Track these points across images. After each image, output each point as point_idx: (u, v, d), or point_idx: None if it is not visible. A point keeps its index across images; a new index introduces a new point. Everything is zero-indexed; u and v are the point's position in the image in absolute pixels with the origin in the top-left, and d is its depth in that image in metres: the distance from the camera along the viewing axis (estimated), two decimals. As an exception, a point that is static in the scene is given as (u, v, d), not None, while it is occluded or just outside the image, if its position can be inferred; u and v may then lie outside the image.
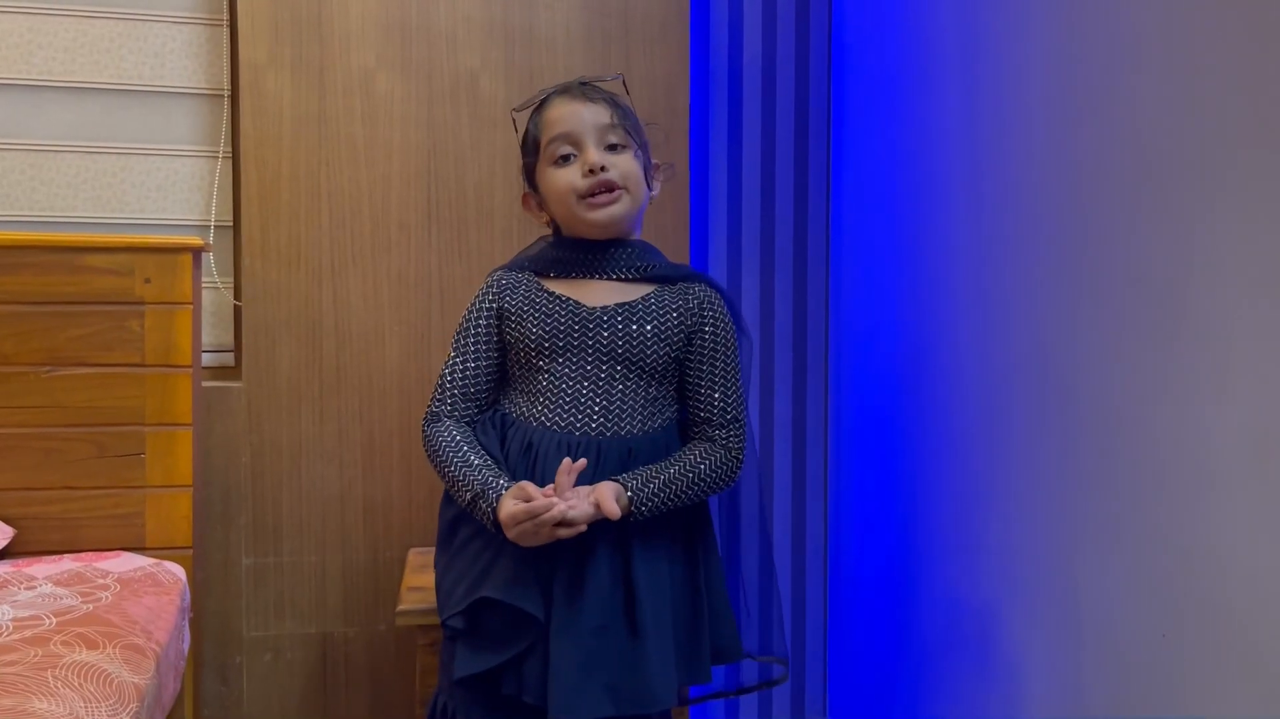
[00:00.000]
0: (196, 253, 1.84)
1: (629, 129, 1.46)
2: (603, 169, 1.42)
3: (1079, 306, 1.44)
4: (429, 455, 1.44)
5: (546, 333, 1.43)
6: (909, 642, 1.94)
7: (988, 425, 1.67)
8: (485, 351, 1.47)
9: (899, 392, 1.98)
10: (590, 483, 1.37)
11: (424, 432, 1.46)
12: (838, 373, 2.25)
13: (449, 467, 1.40)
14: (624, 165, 1.44)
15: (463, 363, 1.47)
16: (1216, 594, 1.19)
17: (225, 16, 2.04)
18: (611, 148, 1.45)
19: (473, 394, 1.46)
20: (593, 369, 1.43)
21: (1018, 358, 1.58)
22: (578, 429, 1.41)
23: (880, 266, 2.06)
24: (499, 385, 1.49)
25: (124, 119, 2.04)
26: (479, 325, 1.47)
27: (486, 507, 1.34)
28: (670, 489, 1.39)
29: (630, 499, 1.36)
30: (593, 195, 1.43)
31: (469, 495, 1.36)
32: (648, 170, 1.50)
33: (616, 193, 1.43)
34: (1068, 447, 1.46)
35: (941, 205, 1.82)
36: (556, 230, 1.52)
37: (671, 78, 2.11)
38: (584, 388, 1.42)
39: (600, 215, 1.44)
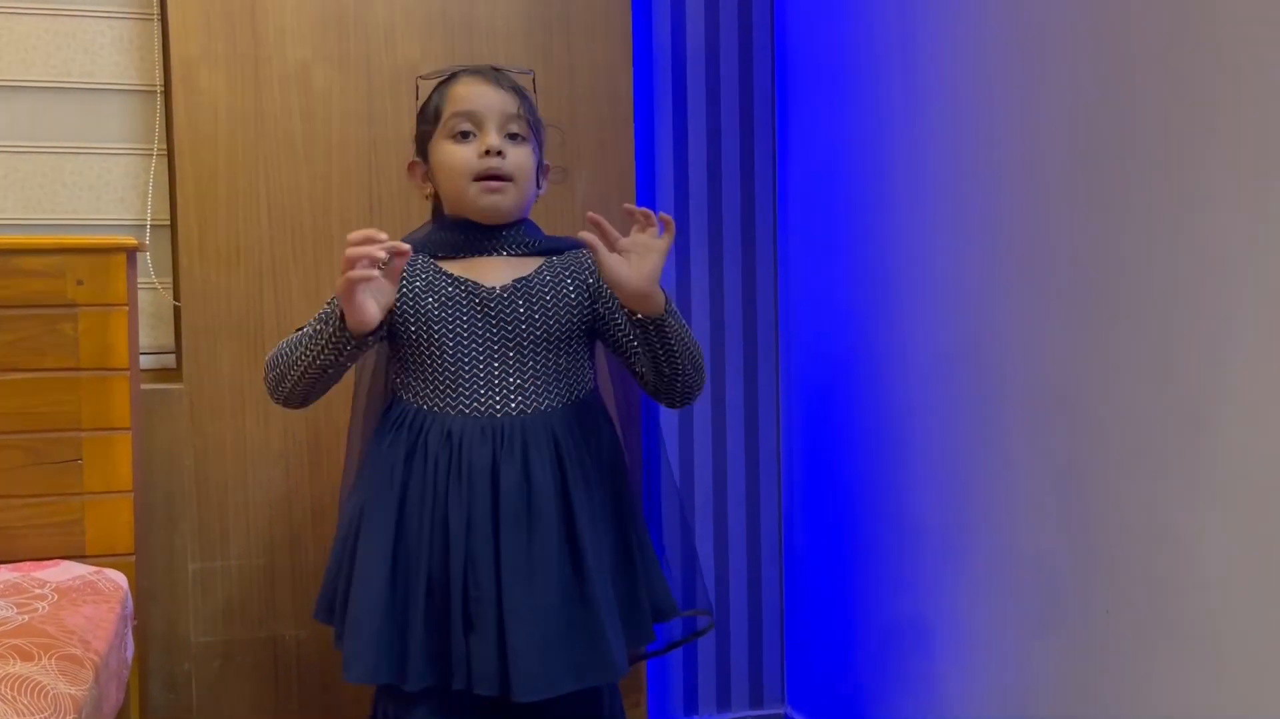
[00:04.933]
0: (130, 253, 1.79)
1: (531, 124, 1.49)
2: (499, 154, 1.43)
3: (1019, 290, 1.45)
4: (273, 365, 1.44)
5: (449, 316, 1.43)
6: (862, 626, 1.95)
7: (933, 408, 1.68)
8: None
9: (847, 377, 1.98)
10: (523, 460, 1.39)
11: (266, 362, 1.47)
12: (788, 360, 2.24)
13: (294, 340, 1.41)
14: (519, 158, 1.46)
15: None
16: (1157, 571, 1.20)
17: (156, 10, 2.00)
18: (512, 137, 1.46)
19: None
20: (500, 349, 1.43)
21: (961, 342, 1.59)
22: (498, 411, 1.41)
23: (827, 253, 2.06)
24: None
25: (54, 117, 1.99)
26: None
27: (330, 308, 1.36)
28: (682, 325, 1.41)
29: (665, 300, 1.38)
30: (483, 179, 1.44)
31: (316, 325, 1.38)
32: (540, 168, 1.53)
33: (505, 184, 1.44)
34: (1009, 427, 1.47)
35: (887, 192, 1.83)
36: (437, 209, 1.54)
37: (614, 65, 2.09)
38: (495, 369, 1.43)
39: (486, 202, 1.45)
